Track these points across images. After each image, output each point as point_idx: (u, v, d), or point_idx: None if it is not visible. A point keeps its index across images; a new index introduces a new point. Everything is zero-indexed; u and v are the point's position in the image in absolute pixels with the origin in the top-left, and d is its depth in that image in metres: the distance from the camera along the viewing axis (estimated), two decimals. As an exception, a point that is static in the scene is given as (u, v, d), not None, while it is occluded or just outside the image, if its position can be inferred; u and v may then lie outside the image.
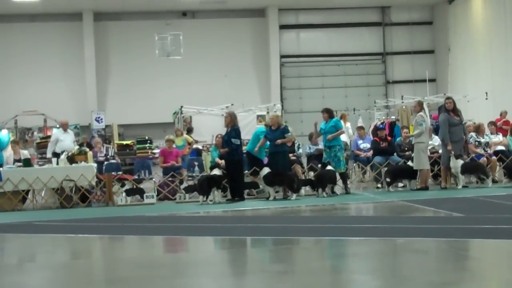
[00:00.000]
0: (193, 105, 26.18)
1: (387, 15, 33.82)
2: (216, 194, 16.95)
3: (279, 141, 17.24)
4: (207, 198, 16.69)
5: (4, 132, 24.75)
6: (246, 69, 32.72)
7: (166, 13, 32.06)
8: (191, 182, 18.66)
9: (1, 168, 17.52)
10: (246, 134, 21.37)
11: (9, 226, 14.45)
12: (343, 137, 22.27)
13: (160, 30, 32.15)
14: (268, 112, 25.70)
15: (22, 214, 16.47)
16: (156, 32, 32.20)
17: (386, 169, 18.79)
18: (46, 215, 15.86)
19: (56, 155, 18.41)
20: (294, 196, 16.90)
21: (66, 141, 19.07)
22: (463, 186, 17.75)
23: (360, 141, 20.12)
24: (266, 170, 17.04)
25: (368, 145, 20.10)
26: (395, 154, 19.47)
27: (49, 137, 22.12)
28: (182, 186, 18.37)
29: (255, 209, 15.58)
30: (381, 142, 19.70)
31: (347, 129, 23.88)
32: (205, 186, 16.74)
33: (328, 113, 18.09)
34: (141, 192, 17.85)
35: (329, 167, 17.45)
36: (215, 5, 31.34)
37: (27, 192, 17.65)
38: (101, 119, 29.24)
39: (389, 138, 20.54)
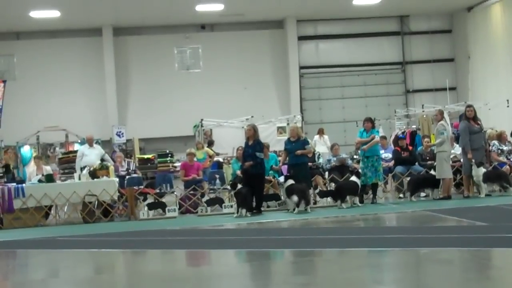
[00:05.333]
0: (213, 118, 26.22)
1: (406, 24, 33.75)
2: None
3: (299, 152, 17.21)
4: (247, 211, 16.52)
5: (27, 148, 24.98)
6: (265, 80, 32.74)
7: (185, 27, 32.18)
8: (212, 195, 18.67)
9: (24, 184, 17.63)
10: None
11: (33, 241, 14.52)
12: (321, 149, 22.62)
13: (179, 43, 32.27)
14: (288, 124, 25.73)
15: (45, 229, 16.54)
16: (175, 46, 32.32)
17: (408, 178, 18.72)
18: (69, 230, 15.92)
19: (83, 169, 18.53)
20: (308, 208, 16.69)
21: (91, 156, 19.16)
22: (486, 195, 17.63)
23: (382, 151, 20.07)
24: (289, 181, 16.92)
25: (390, 155, 20.02)
26: (416, 163, 19.39)
27: (71, 152, 22.27)
28: (204, 199, 18.38)
29: (277, 221, 15.55)
30: (402, 152, 19.62)
31: (325, 141, 24.57)
32: (249, 199, 16.62)
33: (372, 123, 18.04)
34: (163, 205, 17.88)
35: (353, 178, 17.37)
36: (234, 18, 31.41)
37: (50, 207, 17.74)
38: (122, 133, 29.35)
39: (410, 147, 20.45)
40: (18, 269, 11.59)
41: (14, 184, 17.56)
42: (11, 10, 27.47)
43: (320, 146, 24.17)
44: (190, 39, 32.36)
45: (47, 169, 19.25)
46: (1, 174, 18.43)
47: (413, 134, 24.02)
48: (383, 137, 21.32)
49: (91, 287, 9.50)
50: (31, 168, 19.41)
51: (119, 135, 29.27)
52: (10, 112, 27.24)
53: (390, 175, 19.57)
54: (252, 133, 17.39)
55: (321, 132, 26.10)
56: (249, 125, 18.37)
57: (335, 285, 8.07)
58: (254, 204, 16.92)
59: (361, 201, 17.55)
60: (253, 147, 17.15)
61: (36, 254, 13.11)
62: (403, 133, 23.77)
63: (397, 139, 21.27)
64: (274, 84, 32.87)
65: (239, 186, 16.67)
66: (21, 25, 30.15)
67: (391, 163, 19.66)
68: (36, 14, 28.40)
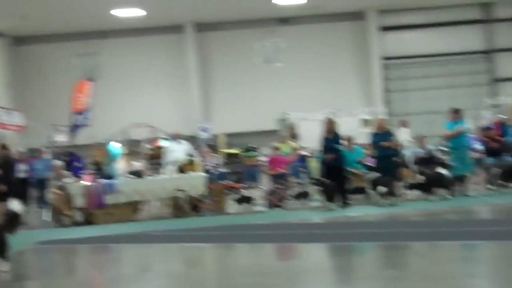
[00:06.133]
0: (297, 111, 26.21)
1: (491, 12, 32.97)
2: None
3: (385, 143, 17.10)
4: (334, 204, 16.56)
5: (115, 145, 25.48)
6: (347, 73, 32.52)
7: (266, 21, 32.24)
8: (299, 189, 18.69)
9: (114, 180, 18.03)
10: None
11: (124, 236, 14.84)
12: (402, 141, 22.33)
13: (260, 37, 32.36)
14: (372, 116, 25.54)
15: (136, 224, 16.86)
16: (256, 40, 32.43)
17: (499, 169, 18.31)
18: (159, 225, 16.19)
19: (170, 165, 18.85)
20: (395, 200, 16.52)
21: (178, 151, 19.42)
22: None
23: (477, 143, 19.66)
24: (375, 174, 16.82)
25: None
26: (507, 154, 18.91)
27: (158, 148, 22.62)
28: (290, 193, 18.42)
29: (364, 215, 15.47)
30: (491, 142, 19.18)
31: (406, 134, 24.25)
32: (335, 192, 16.66)
33: (458, 114, 17.81)
34: (250, 200, 18.01)
35: (442, 170, 17.10)
36: (314, 10, 31.31)
37: (140, 202, 18.08)
38: (208, 128, 29.64)
39: (500, 138, 19.94)
40: (110, 264, 11.87)
41: (105, 180, 18.00)
42: (95, 9, 28.06)
43: (401, 138, 23.85)
44: (271, 33, 32.41)
45: (136, 165, 19.61)
46: (93, 171, 18.90)
47: (501, 124, 23.44)
48: (486, 128, 20.76)
49: (182, 281, 9.64)
50: (120, 164, 19.80)
51: (204, 131, 29.57)
52: (97, 110, 27.87)
53: (480, 166, 19.14)
54: (330, 126, 17.43)
55: (403, 124, 25.79)
56: (327, 118, 18.35)
57: (427, 279, 7.97)
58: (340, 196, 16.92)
59: (451, 194, 17.26)
60: (332, 140, 17.19)
61: (127, 248, 13.41)
62: (491, 123, 23.23)
63: (484, 130, 20.79)
64: (357, 76, 32.63)
65: (324, 179, 16.74)
66: (106, 24, 30.76)
67: (481, 154, 19.23)
68: (121, 13, 28.92)
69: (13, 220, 10.10)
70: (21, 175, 20.85)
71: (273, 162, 19.43)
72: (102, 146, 21.97)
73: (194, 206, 17.84)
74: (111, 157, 20.48)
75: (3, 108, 26.04)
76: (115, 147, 23.13)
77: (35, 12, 26.79)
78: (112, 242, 14.28)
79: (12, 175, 17.94)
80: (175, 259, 11.60)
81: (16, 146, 24.87)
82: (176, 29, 31.98)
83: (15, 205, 10.37)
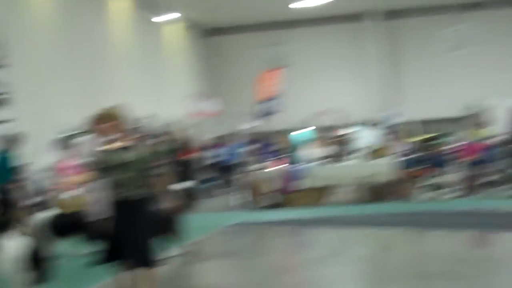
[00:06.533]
0: (490, 98, 25.33)
1: None
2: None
3: None
4: None
5: (302, 131, 25.78)
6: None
7: (455, 6, 31.41)
8: (493, 176, 18.04)
9: (303, 166, 18.24)
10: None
11: (314, 220, 14.93)
12: None
13: (450, 23, 31.52)
14: None
15: (326, 209, 16.90)
16: (446, 26, 31.62)
17: None
18: (349, 210, 16.17)
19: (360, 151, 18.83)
20: None
21: (368, 137, 19.37)
22: None
23: None
24: None
25: None
26: None
27: (346, 134, 22.60)
28: (485, 180, 17.81)
29: None
30: None
31: None
32: None
33: None
34: (441, 187, 17.62)
35: None
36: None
37: (330, 187, 18.15)
38: (398, 115, 29.27)
39: None
40: (301, 246, 12.03)
41: (295, 165, 18.28)
42: (278, 2, 28.57)
43: None
44: (461, 19, 31.50)
45: (326, 150, 19.67)
46: (284, 155, 19.24)
47: None
48: None
49: (374, 265, 9.59)
50: (308, 150, 19.97)
51: (394, 117, 29.22)
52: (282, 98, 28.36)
53: None
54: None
55: None
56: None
57: None
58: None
59: None
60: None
61: (317, 232, 13.53)
62: None
63: None
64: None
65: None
66: (288, 15, 31.16)
67: None
68: (302, 4, 29.16)
69: (184, 203, 10.09)
70: (213, 160, 21.59)
71: (466, 148, 18.85)
72: (286, 133, 22.30)
73: (384, 191, 17.66)
74: (296, 143, 20.71)
75: (199, 95, 27.05)
76: (301, 133, 23.44)
77: (223, 5, 27.89)
78: (303, 225, 14.43)
79: (188, 160, 17.91)
80: (365, 244, 11.56)
81: (208, 132, 25.78)
82: (360, 16, 31.90)
83: (183, 185, 10.53)
